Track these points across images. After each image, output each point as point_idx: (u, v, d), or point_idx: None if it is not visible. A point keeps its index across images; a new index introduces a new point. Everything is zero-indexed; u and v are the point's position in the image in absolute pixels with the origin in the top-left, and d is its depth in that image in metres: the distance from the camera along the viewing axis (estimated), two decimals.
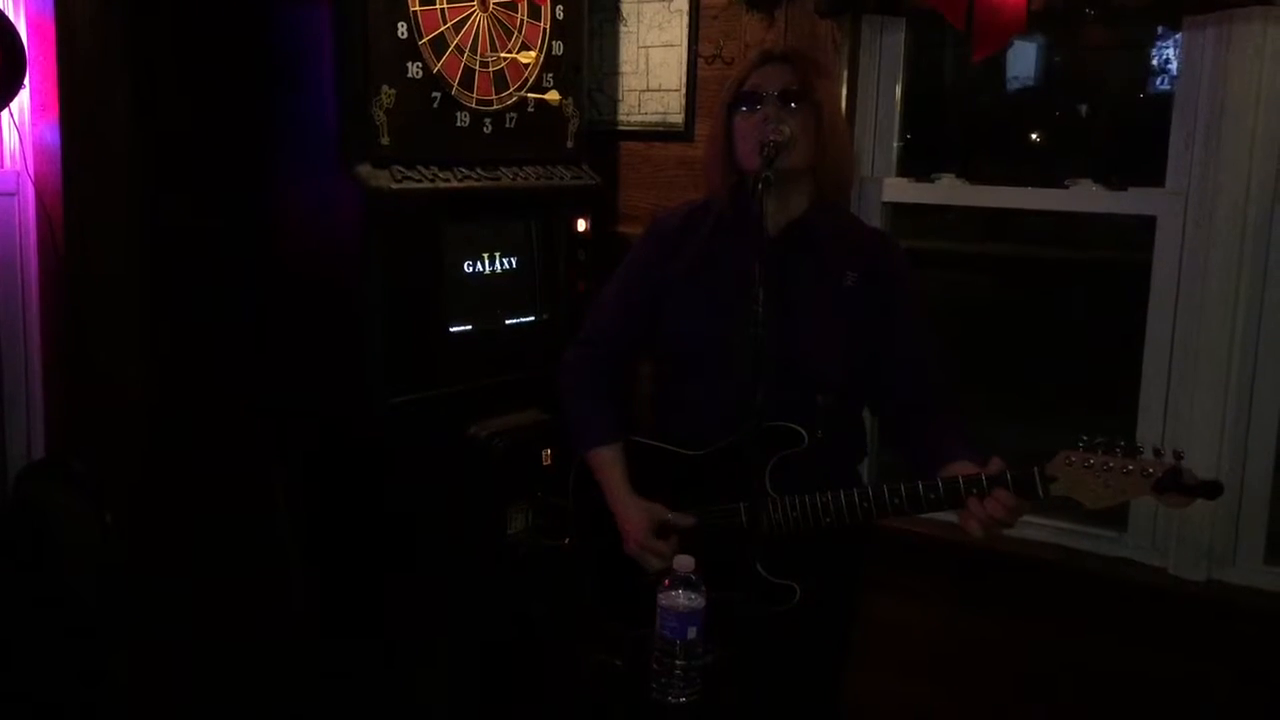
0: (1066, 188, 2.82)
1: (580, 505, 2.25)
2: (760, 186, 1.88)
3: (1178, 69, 2.66)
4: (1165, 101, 2.76)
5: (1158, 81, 3.13)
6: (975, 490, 1.90)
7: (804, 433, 2.00)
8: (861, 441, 2.26)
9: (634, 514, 2.12)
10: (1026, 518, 2.85)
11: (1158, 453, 1.81)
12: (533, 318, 2.93)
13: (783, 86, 2.03)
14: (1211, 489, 1.80)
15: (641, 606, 1.98)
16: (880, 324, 2.08)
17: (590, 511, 2.20)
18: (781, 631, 2.06)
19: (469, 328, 2.77)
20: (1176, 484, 1.78)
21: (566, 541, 2.32)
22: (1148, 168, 2.73)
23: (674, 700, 1.78)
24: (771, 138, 1.94)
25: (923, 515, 2.08)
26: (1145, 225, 2.73)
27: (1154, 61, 3.09)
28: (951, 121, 3.56)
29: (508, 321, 2.89)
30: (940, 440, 2.02)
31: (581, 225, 3.00)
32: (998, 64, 3.40)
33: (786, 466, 2.02)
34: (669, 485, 2.13)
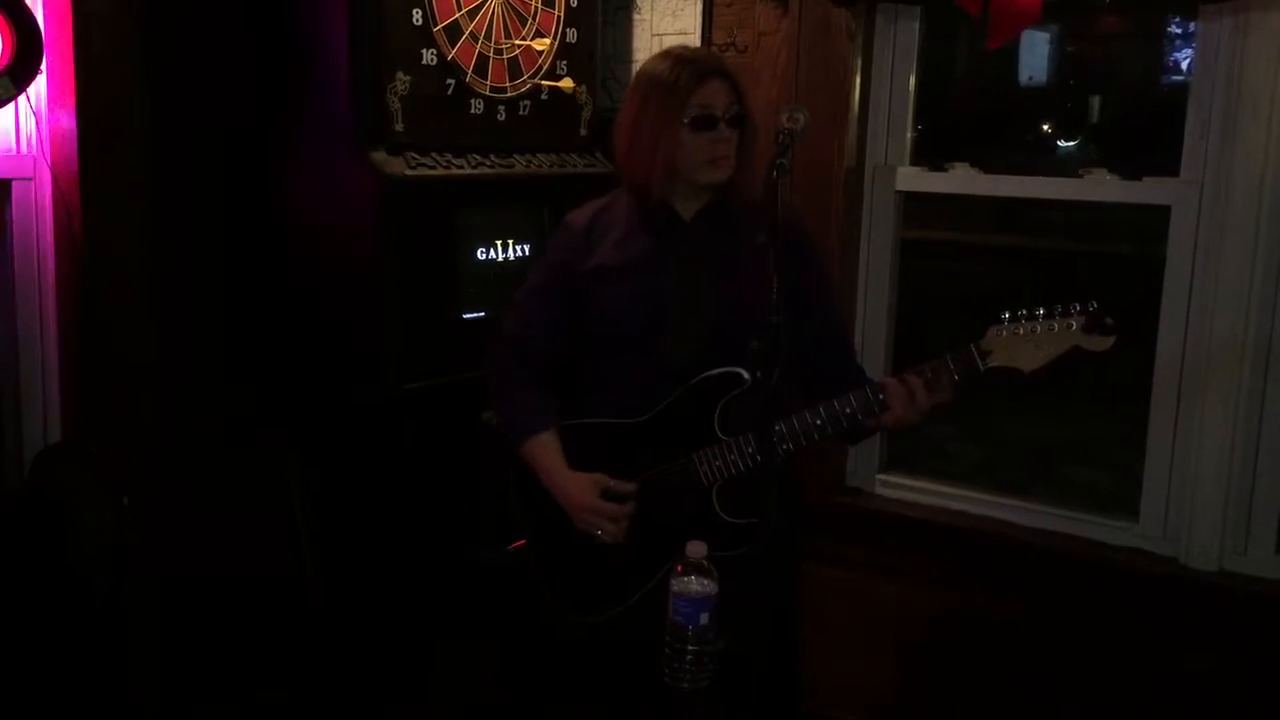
0: (1080, 177, 2.81)
1: (524, 503, 2.29)
2: (776, 174, 1.92)
3: (1192, 58, 2.65)
4: (1177, 92, 2.76)
5: (1171, 73, 3.13)
6: (918, 372, 2.01)
7: (744, 372, 2.06)
8: (796, 383, 2.31)
9: (575, 485, 2.17)
10: (1039, 507, 2.89)
11: (1075, 307, 1.96)
12: None
13: (731, 110, 2.12)
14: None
15: (603, 592, 2.14)
16: (793, 274, 2.13)
17: (535, 506, 2.24)
18: (741, 580, 2.08)
19: (482, 315, 2.78)
20: (1100, 325, 1.94)
21: (523, 543, 2.33)
22: (1160, 158, 2.73)
23: (685, 686, 1.79)
24: (787, 126, 1.98)
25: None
26: (1156, 217, 2.73)
27: (1167, 53, 3.09)
28: (964, 112, 3.56)
29: None
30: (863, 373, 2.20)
31: None
32: (1010, 55, 3.40)
33: (732, 410, 2.09)
34: (612, 457, 2.18)
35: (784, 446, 2.06)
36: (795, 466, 2.22)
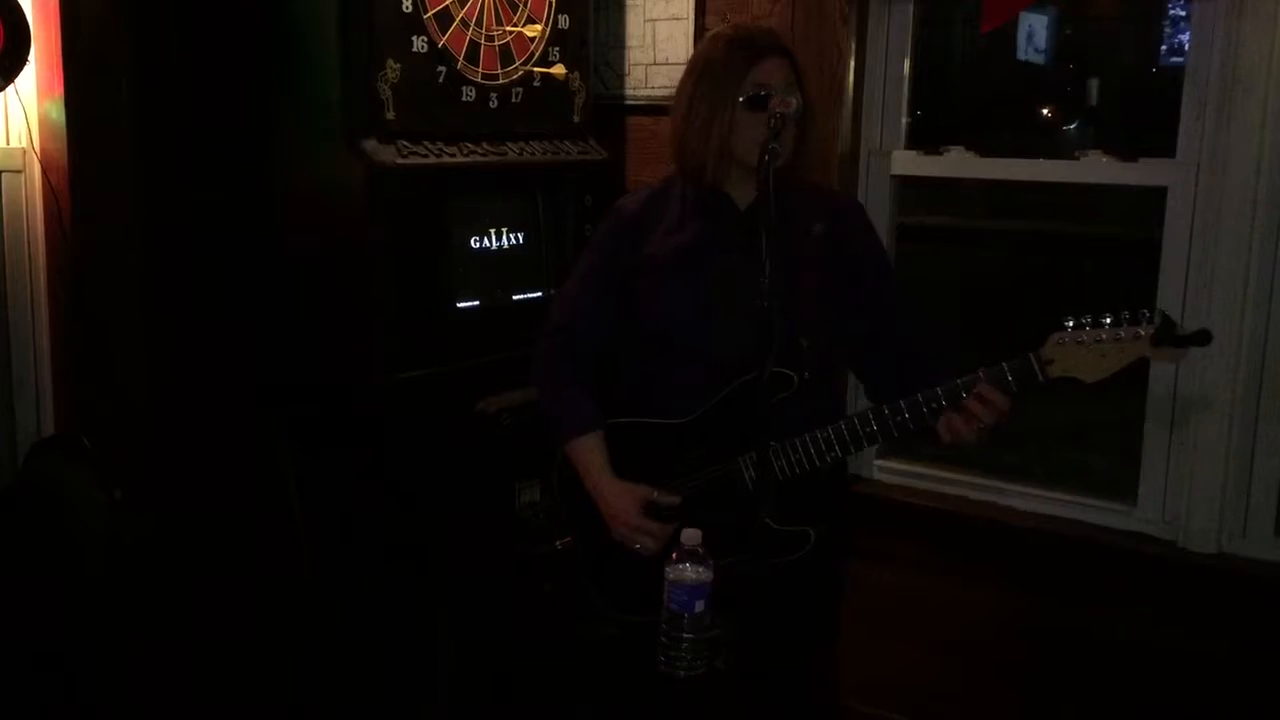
0: (1077, 159, 2.80)
1: (570, 502, 2.23)
2: (768, 159, 1.87)
3: (1188, 40, 2.63)
4: (1173, 75, 2.75)
5: (1166, 55, 3.12)
6: (975, 389, 1.90)
7: (794, 374, 1.99)
8: (843, 384, 2.27)
9: (617, 497, 2.10)
10: (1037, 491, 2.88)
11: (1143, 314, 1.83)
12: (540, 293, 2.93)
13: (789, 87, 2.03)
14: (1202, 337, 1.82)
15: (645, 594, 1.97)
16: (850, 264, 2.11)
17: (583, 505, 2.18)
18: (784, 590, 2.08)
19: (475, 303, 2.77)
20: (1171, 336, 1.80)
21: (569, 540, 2.29)
22: (1158, 140, 2.71)
23: (682, 673, 1.78)
24: (779, 109, 1.94)
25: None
26: (1153, 199, 2.71)
27: (1163, 35, 3.07)
28: (960, 96, 3.55)
29: (514, 297, 2.88)
30: (930, 373, 2.01)
31: (589, 200, 2.98)
32: (1006, 38, 3.38)
33: (780, 412, 2.00)
34: (656, 458, 2.12)
35: (831, 454, 2.00)
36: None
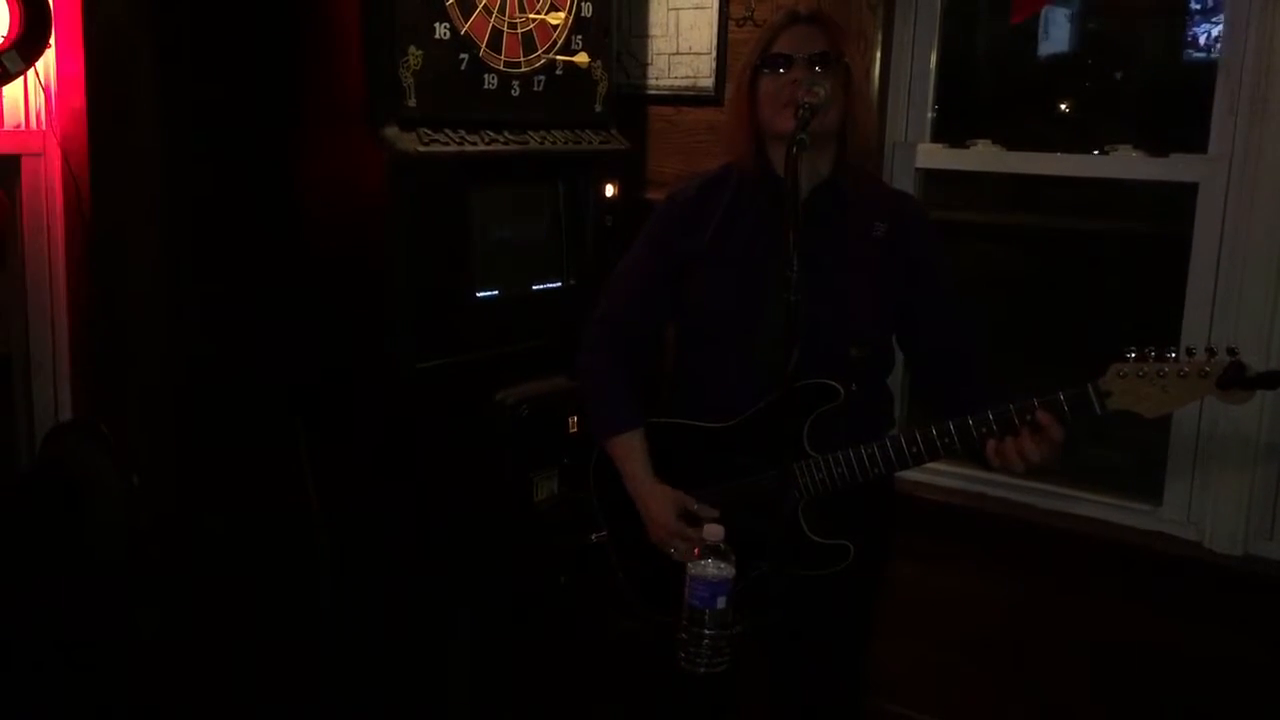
0: (1106, 154, 2.76)
1: (605, 496, 2.20)
2: (795, 150, 1.83)
3: (1218, 33, 2.59)
4: (1201, 69, 2.71)
5: (1192, 49, 3.07)
6: (1030, 417, 1.84)
7: (840, 387, 1.95)
8: (890, 396, 2.23)
9: (656, 501, 2.07)
10: (1059, 490, 2.85)
11: (1210, 351, 1.76)
12: (560, 284, 2.91)
13: (813, 49, 1.98)
14: (1273, 379, 1.76)
15: (679, 593, 1.92)
16: (910, 272, 2.05)
17: (618, 501, 2.15)
18: (822, 595, 2.04)
19: (495, 293, 2.75)
20: (1240, 378, 1.73)
21: (604, 534, 2.25)
22: (1184, 134, 2.68)
23: (702, 670, 1.76)
24: (806, 99, 1.88)
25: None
26: (1175, 195, 2.67)
27: (1189, 29, 3.03)
28: (985, 88, 3.50)
29: (534, 287, 2.86)
30: (985, 392, 1.95)
31: (610, 190, 2.96)
32: (1030, 31, 3.34)
33: (823, 424, 1.97)
34: (697, 461, 2.08)
35: (875, 470, 1.95)
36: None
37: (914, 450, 1.93)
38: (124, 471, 2.22)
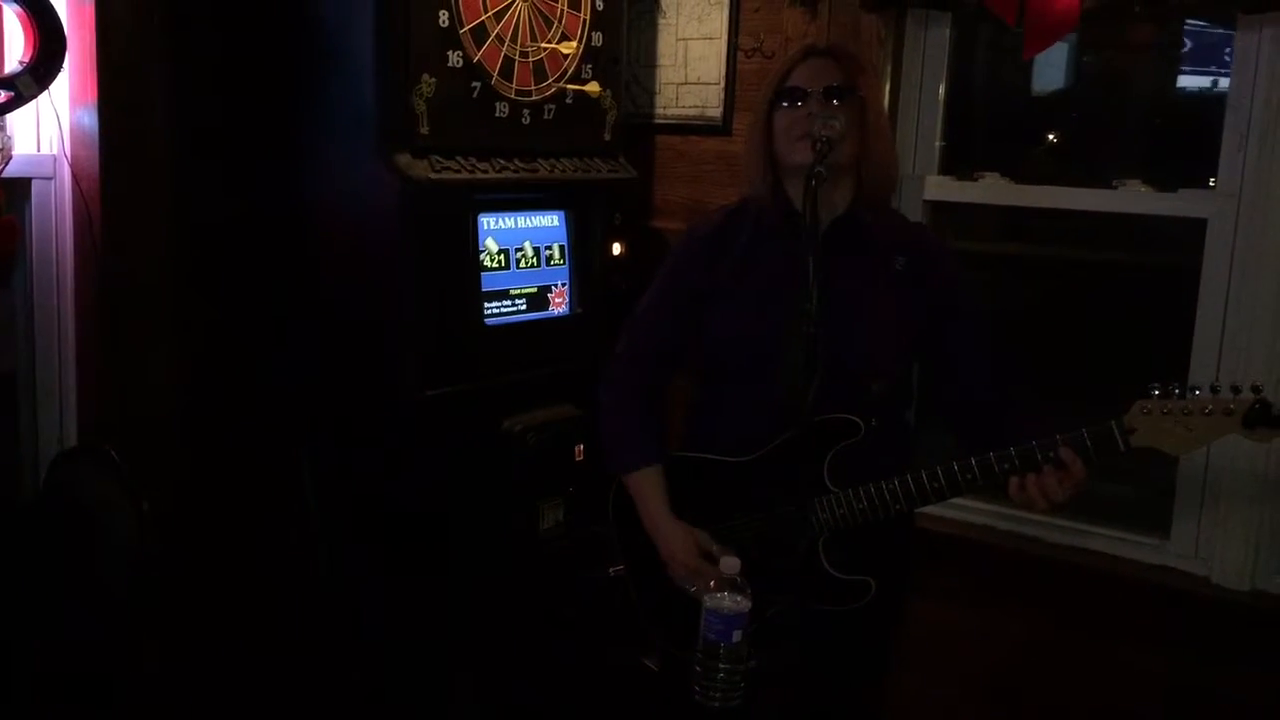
0: (1114, 188, 2.77)
1: (623, 529, 2.18)
2: (814, 182, 1.83)
3: (1232, 68, 2.61)
4: (1209, 103, 2.73)
5: (1191, 85, 3.10)
6: (1053, 454, 1.83)
7: (861, 422, 1.94)
8: (910, 428, 2.22)
9: (676, 540, 2.06)
10: (1066, 523, 2.84)
11: (1235, 389, 1.75)
12: (567, 311, 2.91)
13: (828, 82, 1.99)
14: None
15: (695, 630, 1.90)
16: (934, 307, 2.04)
17: (637, 534, 2.13)
18: (840, 630, 2.03)
19: (503, 320, 2.74)
20: (1266, 417, 1.72)
21: (620, 568, 2.23)
22: (1190, 170, 2.69)
23: (716, 704, 1.75)
24: (823, 133, 1.88)
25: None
26: (1165, 225, 2.67)
27: (1187, 64, 3.05)
28: (990, 122, 3.52)
29: (542, 315, 2.86)
30: (1009, 426, 1.94)
31: (617, 219, 2.97)
32: (1028, 65, 3.36)
33: (843, 459, 1.96)
34: (716, 495, 2.07)
35: (896, 506, 1.94)
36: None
37: (935, 486, 1.91)
38: (134, 498, 2.20)
